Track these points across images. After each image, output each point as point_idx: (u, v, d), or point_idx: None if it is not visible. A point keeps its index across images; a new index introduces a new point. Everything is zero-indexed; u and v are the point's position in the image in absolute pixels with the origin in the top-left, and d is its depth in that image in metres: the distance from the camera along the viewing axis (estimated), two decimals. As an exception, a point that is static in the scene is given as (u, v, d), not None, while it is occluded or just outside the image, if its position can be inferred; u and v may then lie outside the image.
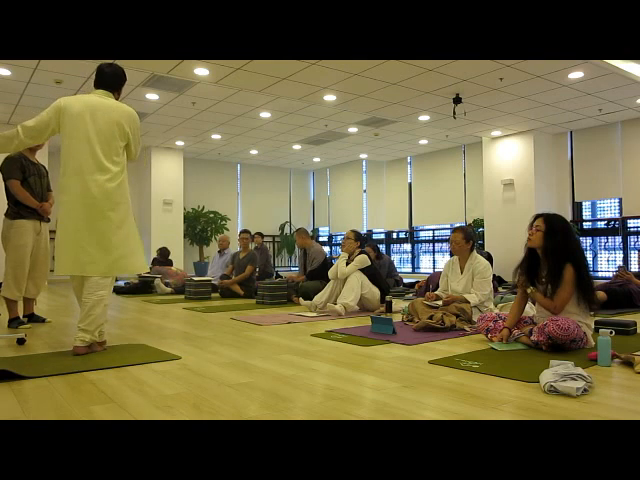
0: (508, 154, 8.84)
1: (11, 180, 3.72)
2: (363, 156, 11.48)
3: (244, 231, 7.01)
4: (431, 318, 3.61)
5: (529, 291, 3.00)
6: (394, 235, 12.04)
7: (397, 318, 4.17)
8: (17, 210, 3.75)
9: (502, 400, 1.91)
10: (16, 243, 3.70)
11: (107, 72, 2.98)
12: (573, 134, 8.68)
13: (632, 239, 8.14)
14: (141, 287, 7.19)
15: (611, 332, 2.47)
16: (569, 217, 8.63)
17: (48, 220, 3.98)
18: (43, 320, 4.03)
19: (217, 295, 6.60)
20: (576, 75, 5.90)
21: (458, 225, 4.24)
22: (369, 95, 6.69)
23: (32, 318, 3.99)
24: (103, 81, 2.97)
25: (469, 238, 4.02)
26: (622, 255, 8.20)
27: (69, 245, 2.77)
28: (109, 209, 2.81)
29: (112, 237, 2.81)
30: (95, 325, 2.75)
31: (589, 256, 8.61)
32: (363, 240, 5.14)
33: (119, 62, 5.28)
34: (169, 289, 7.24)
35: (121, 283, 7.72)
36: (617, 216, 8.34)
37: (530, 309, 3.33)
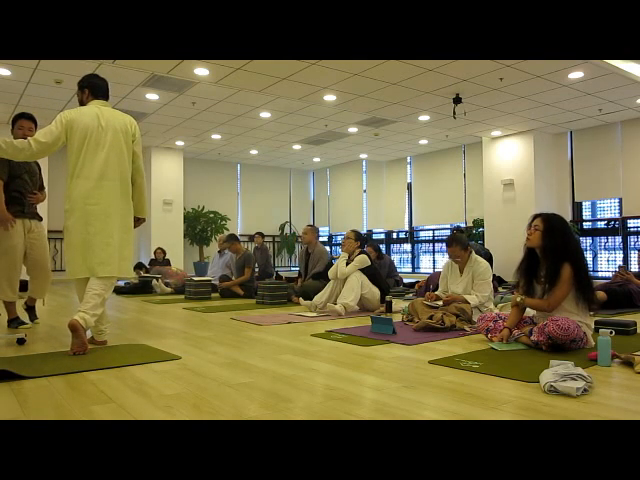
0: (508, 154, 8.84)
1: None
2: (363, 156, 11.48)
3: (228, 239, 6.97)
4: (431, 318, 3.61)
5: (518, 299, 3.00)
6: (394, 235, 12.04)
7: (397, 318, 4.17)
8: (6, 209, 3.64)
9: (502, 400, 1.91)
10: (6, 245, 3.63)
11: (101, 84, 3.13)
12: (573, 134, 8.68)
13: (632, 239, 8.14)
14: (141, 287, 7.19)
15: (611, 332, 2.47)
16: (569, 217, 8.63)
17: (40, 218, 3.92)
18: (28, 322, 3.98)
19: (217, 295, 6.60)
20: (576, 75, 5.90)
21: (450, 235, 4.23)
22: (369, 95, 6.69)
23: (32, 312, 3.96)
24: (100, 92, 3.11)
25: (466, 246, 4.04)
26: (622, 255, 8.20)
27: (81, 249, 2.92)
28: (119, 214, 2.99)
29: (120, 240, 3.00)
30: (92, 310, 2.83)
31: (589, 256, 8.61)
32: (363, 240, 5.14)
33: (119, 62, 5.33)
34: (169, 289, 7.24)
35: (121, 283, 7.72)
36: (617, 216, 8.34)
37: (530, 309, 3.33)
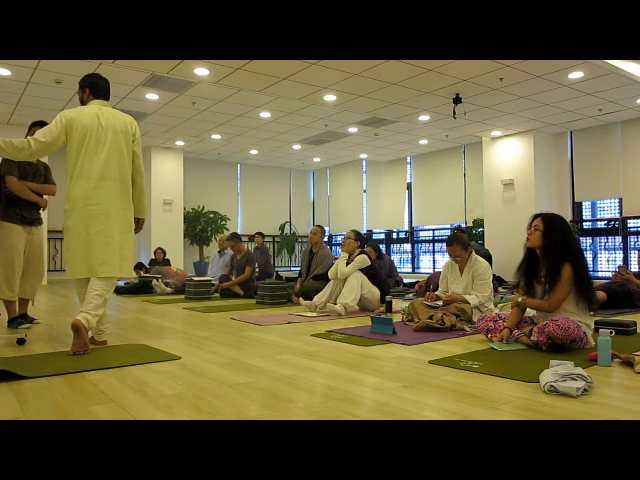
0: (508, 154, 8.84)
1: (9, 177, 3.67)
2: (363, 156, 11.48)
3: (232, 237, 6.94)
4: (431, 318, 3.61)
5: (520, 300, 3.00)
6: (394, 235, 12.04)
7: (397, 318, 4.17)
8: (6, 211, 3.69)
9: (502, 400, 1.91)
10: (4, 243, 3.65)
11: (102, 83, 3.13)
12: (573, 134, 8.68)
13: (632, 239, 8.15)
14: (141, 287, 7.19)
15: (611, 332, 2.47)
16: (569, 217, 8.63)
17: (40, 222, 3.93)
18: (31, 320, 3.98)
19: (217, 295, 6.60)
20: (576, 75, 5.90)
21: (451, 234, 4.23)
22: (369, 95, 6.69)
23: (25, 318, 3.94)
24: (101, 91, 3.11)
25: (467, 245, 4.03)
26: (622, 255, 8.20)
27: (81, 249, 2.91)
28: (119, 214, 2.99)
29: (120, 240, 2.99)
30: (94, 311, 2.83)
31: (589, 256, 8.61)
32: (363, 240, 5.14)
33: (119, 62, 5.33)
34: (169, 289, 7.24)
35: (121, 283, 7.72)
36: (617, 216, 8.34)
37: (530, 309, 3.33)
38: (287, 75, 5.86)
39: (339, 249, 11.59)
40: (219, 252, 7.93)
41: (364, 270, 4.75)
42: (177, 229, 10.49)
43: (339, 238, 12.75)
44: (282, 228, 12.83)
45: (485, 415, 1.74)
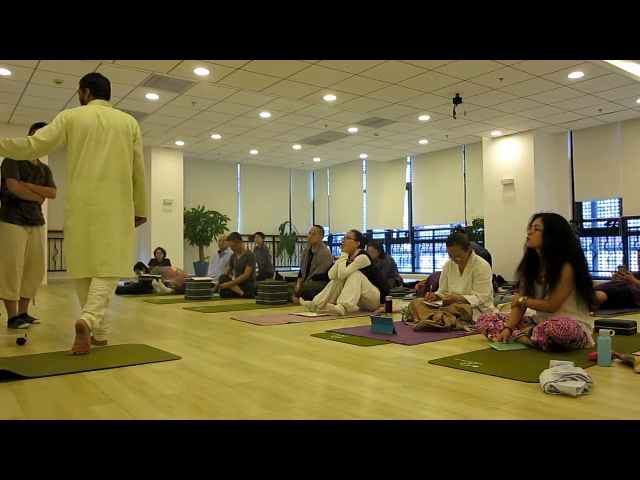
0: (508, 154, 8.84)
1: (10, 179, 3.69)
2: (363, 156, 11.48)
3: (232, 237, 6.92)
4: (431, 318, 3.61)
5: (521, 300, 3.00)
6: (394, 235, 12.04)
7: (397, 318, 4.17)
8: (6, 211, 3.71)
9: (502, 400, 1.91)
10: (5, 243, 3.66)
11: (102, 83, 3.12)
12: (573, 134, 8.68)
13: (632, 239, 8.14)
14: (141, 287, 7.19)
15: (611, 332, 2.47)
16: (569, 217, 8.63)
17: (41, 223, 3.93)
18: (31, 320, 3.97)
19: (217, 295, 6.60)
20: (576, 75, 5.90)
21: (451, 234, 4.24)
22: (369, 95, 6.69)
23: (25, 318, 3.95)
24: (102, 91, 3.11)
25: (467, 245, 4.04)
26: (622, 255, 8.20)
27: (81, 249, 2.91)
28: (120, 214, 2.99)
29: (121, 240, 2.99)
30: (97, 311, 2.83)
31: (589, 256, 8.61)
32: (363, 240, 5.14)
33: (119, 62, 5.33)
34: (169, 289, 7.24)
35: (121, 283, 7.71)
36: (617, 216, 8.34)
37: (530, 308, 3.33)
38: (287, 75, 5.86)
39: (339, 249, 11.59)
40: (219, 252, 7.93)
41: (364, 270, 4.75)
42: (177, 229, 10.49)
43: (339, 238, 12.75)
44: (282, 228, 12.83)
45: (485, 415, 1.74)
